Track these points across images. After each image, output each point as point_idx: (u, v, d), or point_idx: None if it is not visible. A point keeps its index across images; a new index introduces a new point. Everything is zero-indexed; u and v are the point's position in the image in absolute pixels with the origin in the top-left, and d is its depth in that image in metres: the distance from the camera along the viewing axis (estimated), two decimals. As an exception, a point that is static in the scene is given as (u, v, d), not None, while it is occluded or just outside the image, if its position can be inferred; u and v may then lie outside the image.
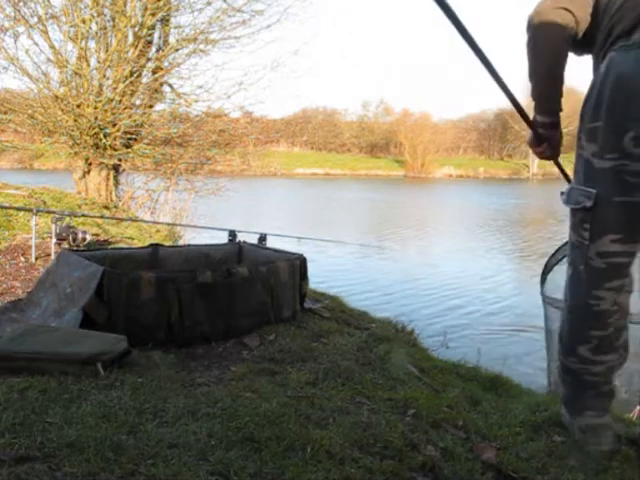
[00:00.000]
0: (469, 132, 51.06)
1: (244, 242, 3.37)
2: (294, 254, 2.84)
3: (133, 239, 5.23)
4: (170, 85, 8.58)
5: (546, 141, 1.75)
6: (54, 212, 4.30)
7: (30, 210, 4.08)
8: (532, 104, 1.73)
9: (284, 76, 8.82)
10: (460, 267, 10.01)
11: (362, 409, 1.69)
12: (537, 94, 1.68)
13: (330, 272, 8.39)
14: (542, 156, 1.82)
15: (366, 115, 54.00)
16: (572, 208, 1.62)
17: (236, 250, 3.29)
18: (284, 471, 1.26)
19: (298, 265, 2.72)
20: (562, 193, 1.68)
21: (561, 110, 1.68)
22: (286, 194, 25.28)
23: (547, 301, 2.94)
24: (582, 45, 1.65)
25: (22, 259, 3.72)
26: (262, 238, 3.53)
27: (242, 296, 2.39)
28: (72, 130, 7.50)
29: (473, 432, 1.64)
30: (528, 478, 1.44)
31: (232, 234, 3.57)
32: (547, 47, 1.62)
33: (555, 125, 1.71)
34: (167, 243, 6.00)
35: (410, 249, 12.22)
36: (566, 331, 1.67)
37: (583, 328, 1.61)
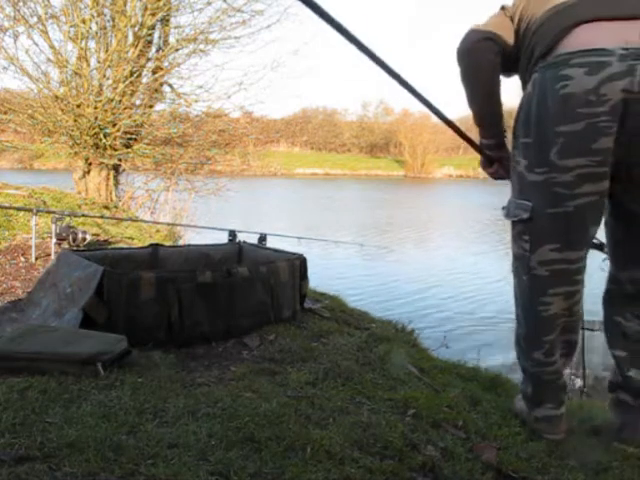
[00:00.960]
0: (469, 132, 50.84)
1: (244, 242, 3.37)
2: (294, 254, 2.84)
3: (133, 239, 5.23)
4: (170, 85, 8.58)
5: (496, 162, 1.90)
6: (54, 212, 4.30)
7: (30, 210, 4.08)
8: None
9: (284, 76, 8.85)
10: (461, 267, 10.02)
11: (362, 409, 1.69)
12: (478, 120, 1.86)
13: (331, 272, 8.39)
14: (495, 176, 1.95)
15: (366, 115, 54.06)
16: (512, 221, 1.69)
17: (236, 250, 3.29)
18: (284, 471, 1.26)
19: (298, 265, 2.71)
20: (503, 208, 1.75)
21: (505, 131, 1.80)
22: (286, 194, 25.29)
23: None
24: (509, 67, 1.75)
25: (22, 259, 3.72)
26: (262, 238, 3.53)
27: (242, 296, 2.39)
28: (72, 130, 7.50)
29: (473, 432, 1.64)
30: (528, 478, 1.44)
31: (232, 234, 3.57)
32: (479, 78, 1.75)
33: (500, 145, 1.85)
34: (167, 243, 6.00)
35: (411, 249, 12.23)
36: (521, 337, 1.74)
37: (535, 334, 1.68)
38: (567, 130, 1.47)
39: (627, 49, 1.41)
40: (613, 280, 1.75)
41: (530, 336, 1.70)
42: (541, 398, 1.71)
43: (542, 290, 1.63)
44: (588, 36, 1.48)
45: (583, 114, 1.45)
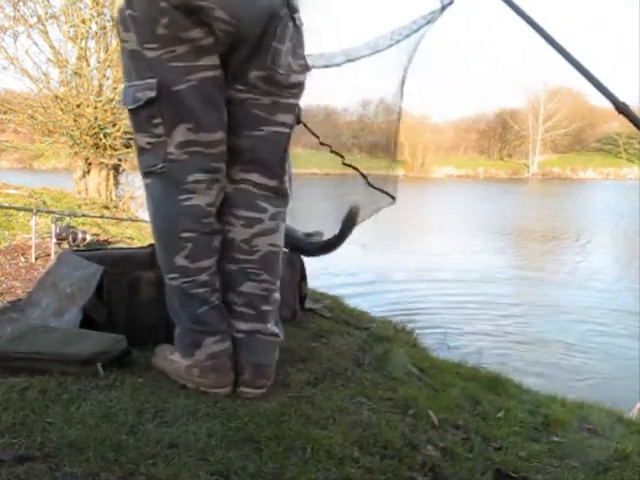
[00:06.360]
0: (469, 132, 50.97)
1: (244, 242, 3.36)
2: (294, 254, 2.84)
3: (133, 239, 5.23)
4: (170, 85, 8.57)
5: None
6: (54, 212, 4.30)
7: (30, 210, 4.08)
8: None
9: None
10: (462, 267, 10.02)
11: (362, 409, 1.69)
12: None
13: (330, 271, 8.40)
14: None
15: (366, 115, 54.07)
16: (133, 109, 1.51)
17: (236, 250, 3.28)
18: (284, 471, 1.26)
19: (298, 265, 2.71)
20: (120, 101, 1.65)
21: None
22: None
23: None
24: None
25: (22, 259, 3.72)
26: (262, 238, 3.52)
27: (242, 296, 2.38)
28: (72, 130, 7.51)
29: (473, 432, 1.64)
30: (528, 478, 1.44)
31: (232, 234, 3.55)
32: None
33: None
34: (167, 243, 5.99)
35: (412, 248, 12.22)
36: (160, 246, 1.58)
37: (175, 232, 1.51)
38: (177, 3, 1.36)
39: None
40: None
41: (169, 236, 1.52)
42: (200, 330, 1.55)
43: (182, 176, 1.48)
44: None
45: None
